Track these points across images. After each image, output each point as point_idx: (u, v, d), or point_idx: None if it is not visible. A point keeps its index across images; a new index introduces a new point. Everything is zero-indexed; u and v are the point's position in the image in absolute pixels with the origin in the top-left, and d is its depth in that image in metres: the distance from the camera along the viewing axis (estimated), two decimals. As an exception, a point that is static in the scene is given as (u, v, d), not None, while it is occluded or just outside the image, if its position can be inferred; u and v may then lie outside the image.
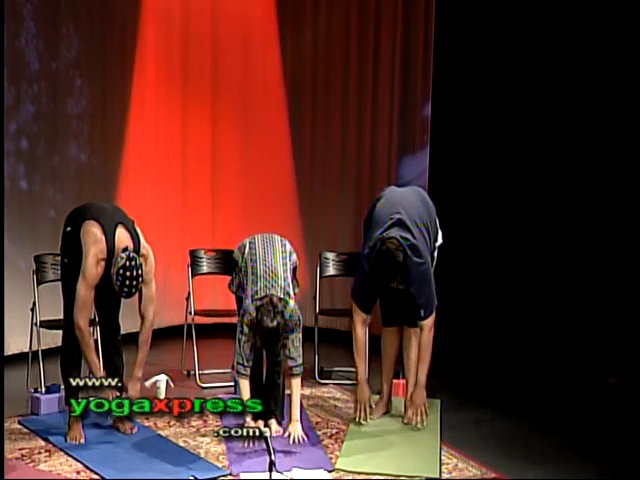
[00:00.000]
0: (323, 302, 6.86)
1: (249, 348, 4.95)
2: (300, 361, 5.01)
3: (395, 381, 5.75)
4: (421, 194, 5.57)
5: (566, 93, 7.30)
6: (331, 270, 6.83)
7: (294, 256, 5.25)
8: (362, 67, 7.75)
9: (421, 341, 5.34)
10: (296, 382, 5.02)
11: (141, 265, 4.81)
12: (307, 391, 6.03)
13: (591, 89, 7.19)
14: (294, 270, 5.23)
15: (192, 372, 6.34)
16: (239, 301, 5.26)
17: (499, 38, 7.45)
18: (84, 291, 4.86)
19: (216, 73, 7.97)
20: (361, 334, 5.37)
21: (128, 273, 4.73)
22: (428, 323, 5.30)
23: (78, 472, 4.62)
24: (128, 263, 4.74)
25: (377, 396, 5.66)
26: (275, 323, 4.80)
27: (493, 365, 6.87)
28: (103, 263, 4.87)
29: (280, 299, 4.91)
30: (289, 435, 4.98)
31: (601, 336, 6.98)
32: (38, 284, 6.02)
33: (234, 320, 5.77)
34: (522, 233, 7.50)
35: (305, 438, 5.00)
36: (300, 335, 5.01)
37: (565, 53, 7.29)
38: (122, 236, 4.90)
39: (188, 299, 6.49)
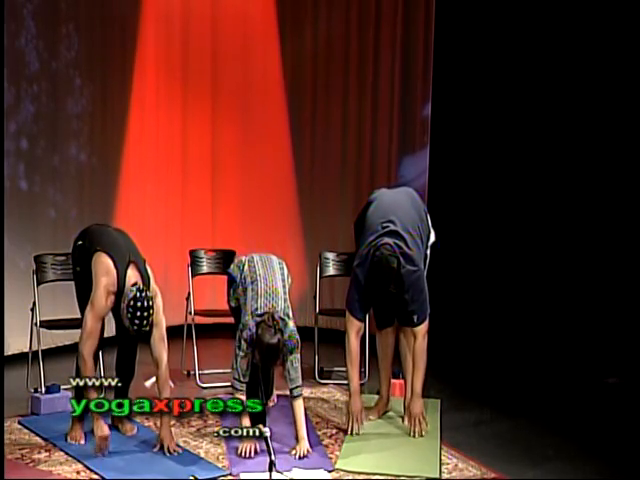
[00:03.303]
0: (323, 302, 6.86)
1: (246, 364, 4.94)
2: (300, 382, 4.98)
3: (392, 381, 5.74)
4: (411, 196, 5.52)
5: (566, 93, 7.31)
6: (331, 270, 6.83)
7: (290, 279, 5.26)
8: (362, 67, 7.75)
9: (415, 348, 5.32)
10: (298, 403, 4.98)
11: (151, 298, 4.73)
12: (307, 391, 6.02)
13: (591, 89, 7.19)
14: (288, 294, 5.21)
15: (192, 372, 6.34)
16: (237, 316, 5.27)
17: (499, 38, 7.45)
18: (91, 322, 4.79)
19: (216, 73, 7.97)
20: (355, 344, 5.32)
21: (139, 304, 4.65)
22: (422, 330, 5.29)
23: (78, 472, 4.62)
24: (138, 294, 4.67)
25: (376, 396, 5.68)
26: (276, 339, 4.78)
27: (493, 365, 6.87)
28: (113, 297, 4.81)
29: (281, 318, 4.91)
30: (295, 450, 4.91)
31: (601, 336, 6.98)
32: (38, 284, 6.01)
33: (234, 320, 5.77)
34: (522, 233, 7.50)
35: (311, 451, 4.93)
36: (299, 356, 4.99)
37: (565, 53, 7.29)
38: (132, 276, 4.84)
39: (188, 299, 6.49)
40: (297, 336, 4.97)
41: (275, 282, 5.05)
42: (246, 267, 5.15)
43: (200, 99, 7.93)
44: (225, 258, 6.73)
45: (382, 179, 7.60)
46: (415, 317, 5.27)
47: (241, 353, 4.92)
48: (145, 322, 4.70)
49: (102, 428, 4.77)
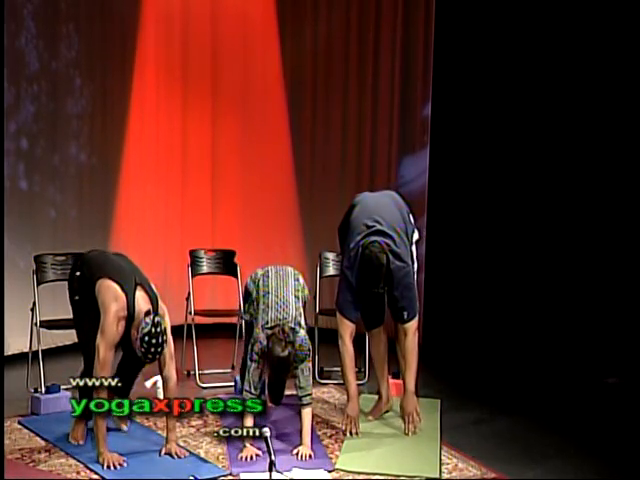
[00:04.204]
0: (323, 302, 6.85)
1: (258, 376, 4.92)
2: (310, 390, 4.97)
3: (390, 381, 5.73)
4: (394, 198, 5.53)
5: (565, 93, 7.30)
6: (331, 270, 6.83)
7: (306, 291, 5.27)
8: (362, 67, 7.76)
9: (406, 346, 5.32)
10: (307, 412, 4.97)
11: (165, 329, 4.63)
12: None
13: (590, 90, 7.18)
14: (304, 306, 5.20)
15: (192, 372, 6.34)
16: (249, 329, 5.29)
17: (499, 38, 7.45)
18: (104, 351, 4.63)
19: (216, 73, 7.98)
20: (351, 348, 5.32)
21: (154, 340, 4.53)
22: (412, 327, 5.30)
23: (78, 472, 4.62)
24: (154, 330, 4.53)
25: (377, 396, 5.67)
26: (286, 352, 4.77)
27: (493, 365, 6.87)
28: (123, 322, 4.67)
29: (291, 328, 4.90)
30: (297, 453, 4.91)
31: (601, 336, 6.98)
32: (38, 284, 6.01)
33: (234, 320, 5.78)
34: (522, 232, 7.49)
35: (313, 457, 4.91)
36: (310, 365, 4.99)
37: (564, 53, 7.28)
38: (141, 299, 4.72)
39: (188, 299, 6.49)
40: (308, 345, 4.97)
41: (286, 292, 5.07)
42: (261, 282, 5.17)
43: (200, 99, 7.94)
44: (225, 258, 6.74)
45: (382, 179, 7.60)
46: (405, 313, 5.28)
47: (253, 365, 4.92)
48: (159, 355, 4.62)
49: (108, 458, 4.67)
